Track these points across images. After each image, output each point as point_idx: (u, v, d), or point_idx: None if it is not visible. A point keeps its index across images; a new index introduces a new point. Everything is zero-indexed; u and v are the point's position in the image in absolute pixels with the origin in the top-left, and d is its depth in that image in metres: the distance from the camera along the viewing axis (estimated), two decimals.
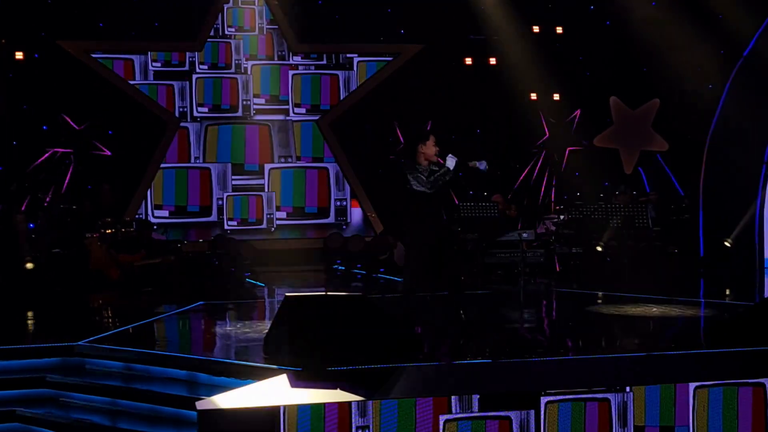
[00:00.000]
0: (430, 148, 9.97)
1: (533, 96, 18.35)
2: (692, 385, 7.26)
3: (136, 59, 17.75)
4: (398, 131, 18.25)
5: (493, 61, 18.24)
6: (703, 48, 16.27)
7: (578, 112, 18.51)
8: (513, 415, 6.93)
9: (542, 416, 6.96)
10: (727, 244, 15.72)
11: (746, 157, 15.75)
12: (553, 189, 18.52)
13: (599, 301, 12.72)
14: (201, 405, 6.62)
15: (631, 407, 7.13)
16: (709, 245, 16.13)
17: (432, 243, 10.01)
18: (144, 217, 17.22)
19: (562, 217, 16.14)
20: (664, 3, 16.55)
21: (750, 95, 15.51)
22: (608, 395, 7.12)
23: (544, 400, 6.97)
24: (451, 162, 9.88)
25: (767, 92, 15.42)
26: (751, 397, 7.35)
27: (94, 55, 17.51)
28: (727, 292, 13.68)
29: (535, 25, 18.03)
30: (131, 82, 17.63)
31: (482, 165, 9.99)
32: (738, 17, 15.56)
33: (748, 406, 7.34)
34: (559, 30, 18.32)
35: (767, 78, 15.27)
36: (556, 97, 18.43)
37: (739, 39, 15.79)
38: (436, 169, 9.89)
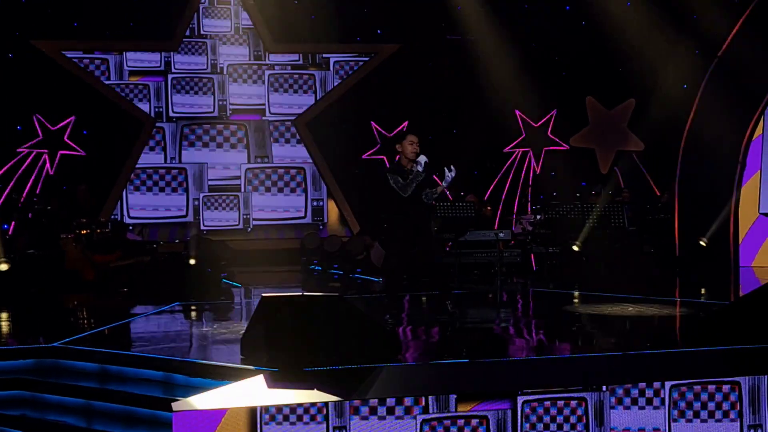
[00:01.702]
0: (406, 147, 10.07)
1: (510, 96, 18.36)
2: (668, 384, 7.30)
3: (111, 59, 17.67)
4: (375, 131, 18.25)
5: (469, 61, 18.24)
6: (678, 48, 16.35)
7: (554, 112, 18.54)
8: (490, 414, 6.95)
9: (519, 415, 6.98)
10: (702, 243, 15.79)
11: (721, 157, 15.84)
12: (530, 189, 18.55)
13: (576, 300, 12.76)
14: (177, 406, 6.60)
15: (608, 406, 7.16)
16: (685, 245, 16.20)
17: (409, 240, 10.09)
18: (120, 218, 17.14)
19: (538, 216, 16.18)
20: (639, 3, 16.61)
21: (724, 95, 15.59)
22: (585, 394, 7.14)
23: (521, 399, 6.99)
24: (419, 165, 9.98)
25: (741, 92, 15.51)
26: (727, 396, 7.39)
27: (68, 55, 17.42)
28: (703, 291, 13.74)
29: (512, 25, 18.05)
30: (106, 82, 17.56)
31: (449, 177, 10.05)
32: (712, 17, 15.63)
33: (724, 405, 7.38)
34: (535, 30, 18.35)
35: (741, 78, 15.35)
36: (533, 97, 18.45)
37: (714, 39, 15.86)
38: (411, 172, 9.99)
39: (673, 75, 16.60)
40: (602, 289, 12.85)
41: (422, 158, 9.99)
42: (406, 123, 17.49)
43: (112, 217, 17.05)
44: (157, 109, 17.83)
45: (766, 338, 8.41)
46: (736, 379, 7.41)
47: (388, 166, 10.25)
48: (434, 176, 11.72)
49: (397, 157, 10.16)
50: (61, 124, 17.04)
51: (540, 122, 18.66)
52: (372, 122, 18.21)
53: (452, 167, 10.08)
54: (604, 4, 16.82)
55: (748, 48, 15.27)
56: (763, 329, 8.48)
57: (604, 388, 7.16)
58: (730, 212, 15.76)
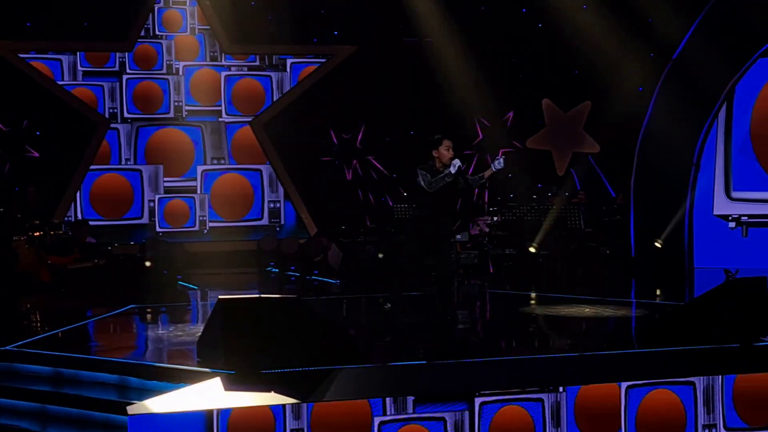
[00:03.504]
0: (443, 153, 10.22)
1: (467, 98, 18.39)
2: (624, 385, 7.34)
3: (65, 59, 17.51)
4: (332, 133, 18.23)
5: (426, 63, 18.26)
6: (634, 51, 16.47)
7: (511, 114, 18.60)
8: (447, 415, 6.95)
9: (476, 416, 6.98)
10: (657, 244, 15.92)
11: (675, 159, 15.98)
12: (486, 191, 18.59)
13: (532, 301, 12.80)
14: (132, 409, 6.54)
15: (564, 407, 7.18)
16: (640, 246, 16.33)
17: (426, 236, 10.19)
18: (82, 218, 16.94)
19: (495, 218, 16.22)
20: (596, 6, 16.71)
21: (679, 98, 15.73)
22: (542, 395, 7.16)
23: (478, 400, 6.99)
24: (453, 167, 10.07)
25: (696, 95, 15.66)
26: (681, 395, 7.45)
27: (21, 56, 17.23)
28: (658, 292, 13.85)
29: (469, 27, 18.09)
30: (60, 83, 17.40)
31: (499, 164, 10.20)
32: (667, 21, 15.78)
33: (679, 404, 7.44)
34: (492, 33, 18.39)
35: (695, 81, 15.49)
36: (489, 99, 18.50)
37: (668, 42, 16.01)
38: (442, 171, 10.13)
39: (629, 77, 16.72)
40: (559, 291, 12.91)
41: (457, 161, 10.13)
42: (363, 125, 17.52)
43: (66, 219, 16.87)
44: (111, 110, 17.67)
45: (720, 339, 8.48)
46: (691, 379, 7.47)
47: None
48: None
49: (436, 161, 10.24)
50: (13, 126, 16.86)
51: (497, 124, 18.70)
52: (329, 124, 18.18)
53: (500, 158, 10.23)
54: (560, 7, 16.90)
55: (702, 51, 15.42)
56: (717, 330, 8.56)
57: (561, 389, 7.18)
58: (685, 214, 15.90)
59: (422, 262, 10.88)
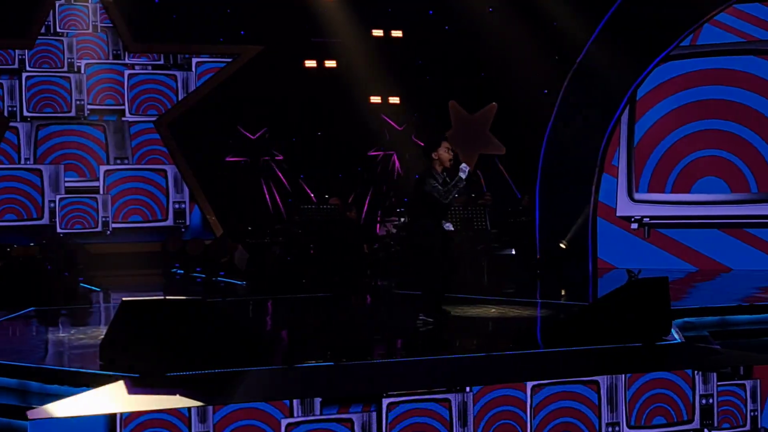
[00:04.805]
0: (443, 155, 10.16)
1: (374, 99, 18.44)
2: (530, 384, 7.40)
3: None
4: (238, 133, 18.10)
5: (333, 63, 18.25)
6: (539, 54, 16.66)
7: (417, 115, 18.67)
8: (355, 417, 6.93)
9: (384, 417, 6.98)
10: (562, 246, 16.11)
11: (580, 161, 16.19)
12: (392, 192, 18.65)
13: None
14: (33, 414, 6.42)
15: (471, 407, 7.21)
16: (545, 247, 16.50)
17: (438, 243, 10.13)
18: None
19: (402, 219, 16.27)
20: (502, 9, 16.87)
21: (583, 100, 15.95)
22: (448, 395, 7.19)
23: (385, 401, 6.98)
24: (463, 173, 10.05)
25: (600, 97, 15.90)
26: (586, 394, 7.54)
27: None
28: (563, 292, 14.02)
29: (375, 28, 18.13)
30: None
31: (463, 173, 10.15)
32: (571, 24, 15.99)
33: (584, 403, 7.53)
34: (399, 34, 18.44)
35: (600, 84, 15.73)
36: (396, 100, 18.57)
37: (573, 45, 16.22)
38: (449, 180, 10.09)
39: (535, 80, 16.91)
40: (464, 291, 12.99)
41: (465, 166, 10.09)
42: (266, 128, 17.44)
43: None
44: (10, 109, 17.28)
45: (623, 338, 8.62)
46: (595, 378, 7.57)
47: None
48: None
49: (435, 163, 10.18)
50: None
51: (404, 125, 18.77)
52: (238, 124, 18.06)
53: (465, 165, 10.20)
54: (467, 9, 17.03)
55: (606, 54, 15.67)
56: (620, 329, 8.70)
57: (468, 389, 7.22)
58: (589, 215, 16.12)
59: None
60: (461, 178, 10.05)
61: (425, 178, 10.11)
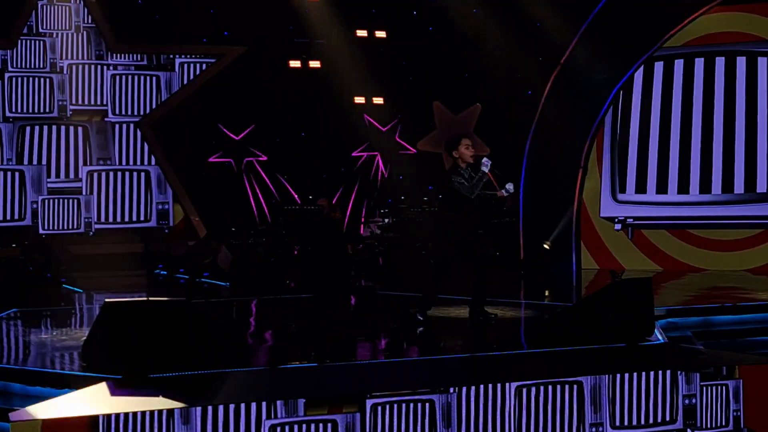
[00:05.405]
0: (464, 152, 10.35)
1: (357, 100, 18.42)
2: (513, 385, 7.40)
3: None
4: (222, 134, 18.05)
5: (317, 64, 18.22)
6: (523, 55, 16.68)
7: (401, 116, 18.65)
8: (339, 418, 6.92)
9: (368, 418, 6.97)
10: (546, 246, 16.14)
11: (563, 162, 16.23)
12: (376, 193, 18.63)
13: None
14: (15, 416, 6.39)
15: (455, 408, 7.21)
16: (529, 247, 16.53)
17: (460, 241, 10.30)
18: None
19: (386, 220, 16.27)
20: (486, 10, 16.88)
21: (567, 101, 15.99)
22: (432, 396, 7.18)
23: (369, 402, 6.97)
24: (485, 167, 10.21)
25: (583, 98, 15.94)
26: (569, 395, 7.55)
27: None
28: (547, 293, 14.03)
29: (359, 29, 18.11)
30: None
31: (510, 187, 10.54)
32: (555, 25, 16.03)
33: (567, 404, 7.53)
34: (383, 35, 18.43)
35: (583, 85, 15.78)
36: (380, 101, 18.56)
37: (557, 46, 16.25)
38: (474, 175, 10.27)
39: (519, 81, 16.94)
40: (448, 292, 12.97)
41: (486, 161, 10.25)
42: (252, 126, 17.38)
43: None
44: None
45: (606, 339, 8.63)
46: (579, 378, 7.57)
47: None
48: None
49: (459, 161, 10.36)
50: None
51: (387, 126, 18.76)
52: (220, 125, 18.01)
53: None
54: (451, 10, 17.04)
55: (590, 56, 15.71)
56: (604, 330, 8.71)
57: (451, 389, 7.21)
58: (572, 215, 16.16)
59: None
60: (484, 172, 10.25)
61: (451, 175, 10.35)
